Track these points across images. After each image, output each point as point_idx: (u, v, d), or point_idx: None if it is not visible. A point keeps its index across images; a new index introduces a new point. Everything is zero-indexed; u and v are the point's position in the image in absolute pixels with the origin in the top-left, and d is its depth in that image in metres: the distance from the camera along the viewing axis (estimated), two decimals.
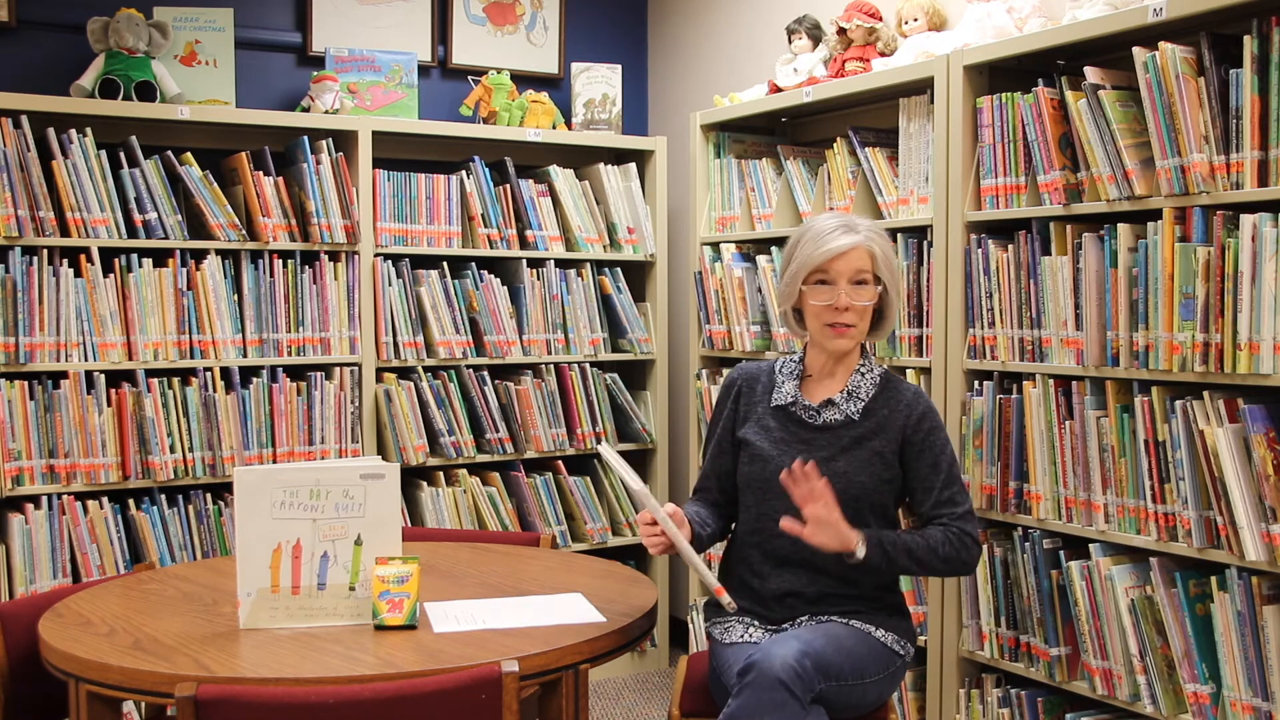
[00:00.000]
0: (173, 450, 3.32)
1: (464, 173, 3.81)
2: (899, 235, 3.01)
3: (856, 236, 2.28)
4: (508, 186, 3.85)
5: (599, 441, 3.96)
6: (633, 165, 4.07)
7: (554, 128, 4.03)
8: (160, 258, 3.35)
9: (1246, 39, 2.22)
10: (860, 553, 2.16)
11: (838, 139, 3.27)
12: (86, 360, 3.23)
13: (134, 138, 3.32)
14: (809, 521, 2.13)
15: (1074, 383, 2.58)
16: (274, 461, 3.43)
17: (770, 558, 2.31)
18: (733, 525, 2.46)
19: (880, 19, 3.30)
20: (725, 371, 3.69)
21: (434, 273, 3.72)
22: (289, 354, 3.51)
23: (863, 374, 2.36)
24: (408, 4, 4.05)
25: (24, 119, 3.15)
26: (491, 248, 3.82)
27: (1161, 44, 2.33)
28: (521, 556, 2.53)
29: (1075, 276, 2.55)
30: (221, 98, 3.59)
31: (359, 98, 3.78)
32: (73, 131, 3.22)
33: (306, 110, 3.67)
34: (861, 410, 2.32)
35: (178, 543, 3.33)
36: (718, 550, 2.56)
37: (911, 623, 2.38)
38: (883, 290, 2.32)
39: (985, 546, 2.78)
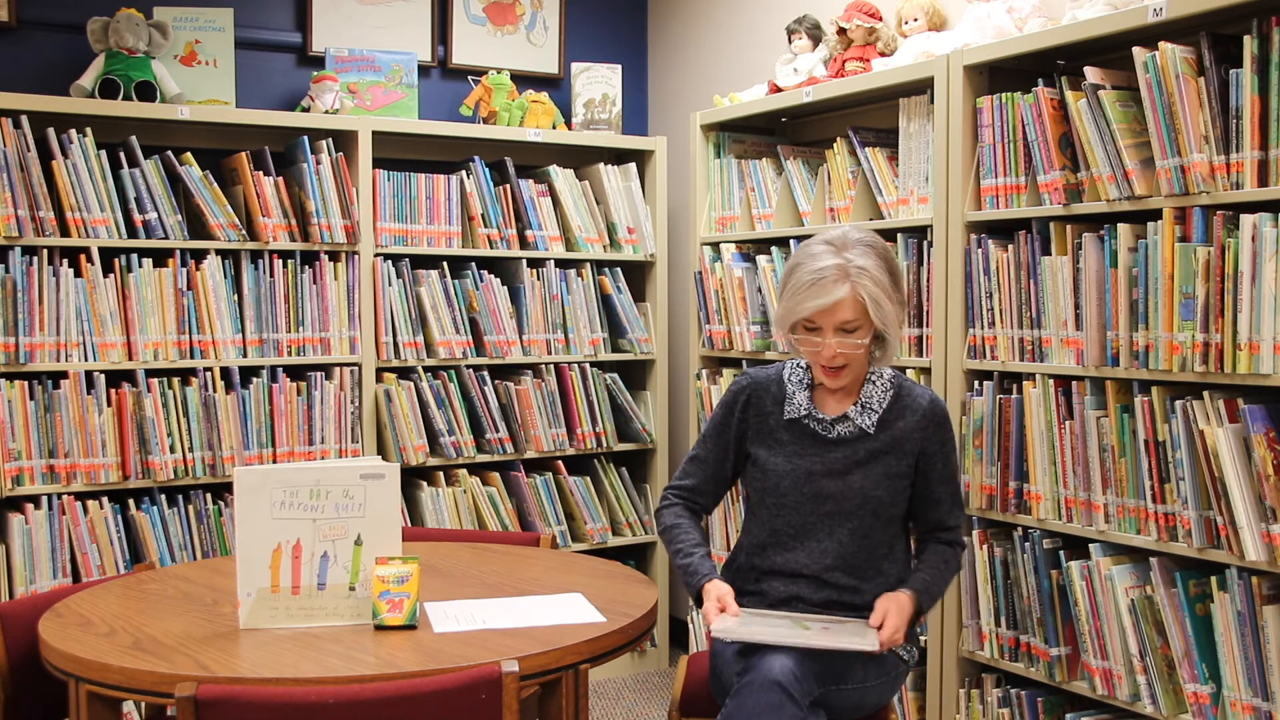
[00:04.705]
0: (173, 450, 3.32)
1: (464, 173, 3.81)
2: (899, 235, 3.01)
3: (842, 289, 2.15)
4: (508, 186, 3.85)
5: (599, 443, 3.96)
6: (633, 165, 4.07)
7: (554, 128, 4.03)
8: (160, 258, 3.35)
9: (1246, 39, 2.22)
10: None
11: (838, 139, 3.27)
12: (86, 360, 3.23)
13: (134, 138, 3.32)
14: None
15: (1074, 383, 2.58)
16: (274, 461, 3.43)
17: (781, 571, 2.29)
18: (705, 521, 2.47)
19: (880, 19, 3.30)
20: (728, 373, 3.70)
21: (434, 273, 3.72)
22: (289, 354, 3.51)
23: (874, 382, 2.31)
24: (408, 4, 4.05)
25: (24, 119, 3.15)
26: (491, 248, 3.82)
27: (1161, 44, 2.33)
28: (521, 556, 2.53)
29: (1075, 276, 2.55)
30: (221, 98, 3.59)
31: (359, 98, 3.78)
32: (73, 131, 3.22)
33: (306, 110, 3.67)
34: (876, 423, 2.27)
35: (178, 543, 3.33)
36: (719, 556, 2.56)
37: (914, 627, 2.37)
38: (875, 328, 2.22)
39: (986, 547, 2.78)
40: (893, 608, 2.15)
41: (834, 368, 2.22)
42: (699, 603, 2.23)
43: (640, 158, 4.13)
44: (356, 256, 3.59)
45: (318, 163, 3.51)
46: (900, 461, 2.27)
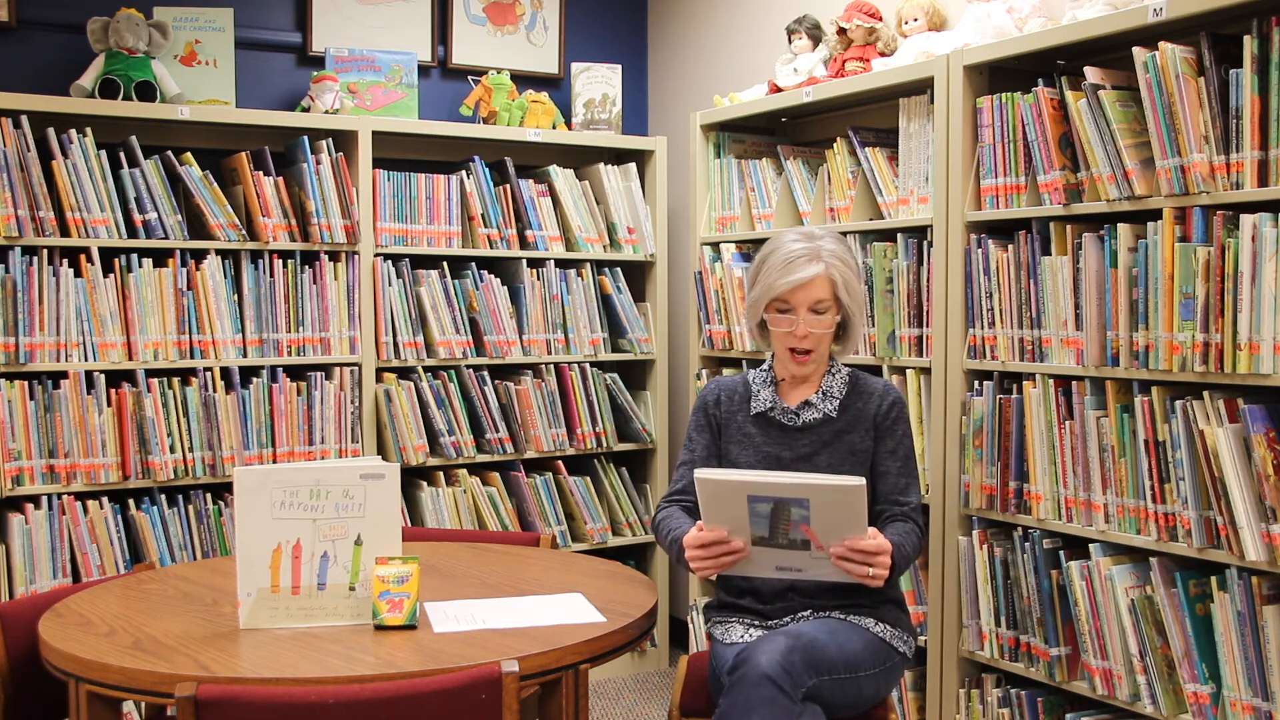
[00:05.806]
0: (173, 450, 3.32)
1: (464, 173, 3.81)
2: (899, 235, 3.01)
3: (816, 267, 2.33)
4: (508, 186, 3.85)
5: (599, 443, 3.96)
6: (633, 165, 4.07)
7: (554, 128, 4.03)
8: (160, 258, 3.35)
9: (1246, 39, 2.22)
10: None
11: (838, 139, 3.27)
12: (86, 360, 3.23)
13: (134, 138, 3.32)
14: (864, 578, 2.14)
15: (1074, 383, 2.58)
16: (274, 461, 3.43)
17: None
18: None
19: (880, 19, 3.30)
20: (727, 373, 3.70)
21: (434, 273, 3.72)
22: (289, 354, 3.51)
23: (833, 374, 2.47)
24: (408, 4, 4.05)
25: (24, 119, 3.15)
26: (491, 248, 3.82)
27: (1161, 44, 2.33)
28: (521, 556, 2.53)
29: (1075, 276, 2.55)
30: (221, 98, 3.59)
31: (359, 98, 3.78)
32: (73, 131, 3.22)
33: (306, 110, 3.67)
34: (838, 407, 2.43)
35: (178, 543, 3.33)
36: None
37: (910, 618, 2.40)
38: (843, 311, 2.40)
39: (985, 547, 2.78)
40: (879, 533, 2.18)
41: (803, 350, 2.37)
42: (687, 565, 2.22)
43: (640, 158, 4.13)
44: (356, 256, 3.59)
45: (318, 163, 3.51)
46: (862, 439, 2.41)
